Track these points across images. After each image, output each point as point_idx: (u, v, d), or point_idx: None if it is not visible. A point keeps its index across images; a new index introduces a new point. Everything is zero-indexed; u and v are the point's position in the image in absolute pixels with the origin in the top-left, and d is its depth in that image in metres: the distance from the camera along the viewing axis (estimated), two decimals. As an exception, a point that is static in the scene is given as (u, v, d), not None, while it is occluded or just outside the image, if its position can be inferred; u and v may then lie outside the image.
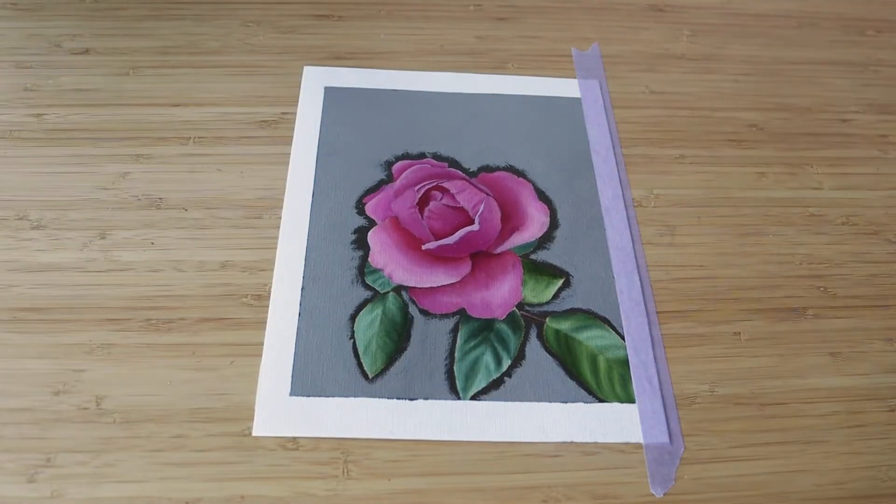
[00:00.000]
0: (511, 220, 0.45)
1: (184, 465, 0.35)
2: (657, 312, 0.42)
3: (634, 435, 0.37)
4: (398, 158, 0.47)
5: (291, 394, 0.37)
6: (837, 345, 0.41)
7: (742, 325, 0.42)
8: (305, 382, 0.38)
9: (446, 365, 0.39)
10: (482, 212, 0.45)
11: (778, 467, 0.37)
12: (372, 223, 0.44)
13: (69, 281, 0.40)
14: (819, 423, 0.38)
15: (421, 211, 0.45)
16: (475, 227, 0.44)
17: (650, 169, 0.49)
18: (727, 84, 0.55)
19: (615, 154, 0.49)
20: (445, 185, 0.46)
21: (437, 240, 0.44)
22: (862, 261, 0.45)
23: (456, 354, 0.39)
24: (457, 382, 0.38)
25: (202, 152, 0.47)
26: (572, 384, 0.39)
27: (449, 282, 0.42)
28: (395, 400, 0.37)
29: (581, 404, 0.38)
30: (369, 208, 0.45)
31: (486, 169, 0.47)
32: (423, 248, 0.43)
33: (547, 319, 0.41)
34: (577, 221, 0.45)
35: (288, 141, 0.48)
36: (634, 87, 0.54)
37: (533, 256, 0.43)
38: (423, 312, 0.41)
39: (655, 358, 0.40)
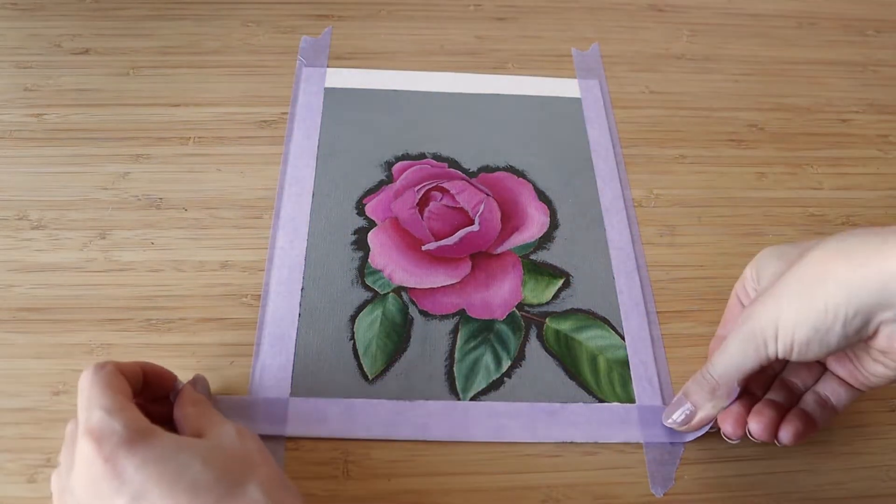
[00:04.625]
0: (511, 220, 0.45)
1: (184, 465, 0.35)
2: (657, 312, 0.42)
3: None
4: (398, 159, 0.47)
5: (291, 394, 0.37)
6: (837, 345, 0.41)
7: (742, 326, 0.42)
8: (305, 383, 0.38)
9: (446, 366, 0.39)
10: (482, 212, 0.45)
11: (778, 467, 0.37)
12: (372, 224, 0.44)
13: (69, 281, 0.40)
14: (819, 424, 0.38)
15: (421, 211, 0.45)
16: (475, 227, 0.44)
17: (650, 169, 0.49)
18: (727, 84, 0.55)
19: (615, 154, 0.49)
20: (445, 185, 0.46)
21: (437, 240, 0.44)
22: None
23: (456, 355, 0.39)
24: (457, 383, 0.38)
25: (202, 152, 0.47)
26: (572, 384, 0.39)
27: (449, 282, 0.42)
28: (394, 401, 0.37)
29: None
30: (369, 209, 0.45)
31: (486, 169, 0.47)
32: (423, 248, 0.43)
33: (547, 320, 0.41)
34: (577, 221, 0.45)
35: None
36: (634, 87, 0.54)
37: (533, 256, 0.43)
38: (423, 313, 0.41)
39: (655, 358, 0.40)
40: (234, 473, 0.28)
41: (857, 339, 0.30)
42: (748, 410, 0.34)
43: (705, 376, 0.34)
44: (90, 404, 0.28)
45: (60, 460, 0.29)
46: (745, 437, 0.34)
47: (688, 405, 0.35)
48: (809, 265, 0.30)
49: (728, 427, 0.34)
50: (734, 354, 0.32)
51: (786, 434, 0.33)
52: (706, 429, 0.35)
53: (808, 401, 0.35)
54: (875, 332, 0.29)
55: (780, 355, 0.31)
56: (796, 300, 0.30)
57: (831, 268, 0.29)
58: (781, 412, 0.34)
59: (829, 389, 0.35)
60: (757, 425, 0.33)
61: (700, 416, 0.35)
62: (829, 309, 0.29)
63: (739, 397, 0.34)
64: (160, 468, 0.26)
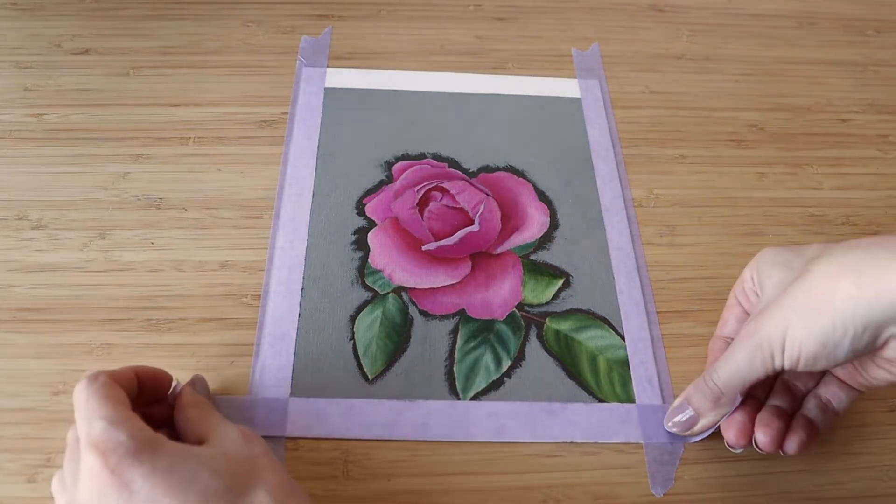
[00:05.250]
0: (511, 220, 0.45)
1: (184, 465, 0.35)
2: (657, 312, 0.42)
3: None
4: (398, 159, 0.47)
5: (292, 394, 0.37)
6: (837, 345, 0.41)
7: (742, 326, 0.42)
8: (305, 383, 0.38)
9: (446, 366, 0.39)
10: (482, 212, 0.45)
11: (778, 467, 0.37)
12: (372, 224, 0.44)
13: (69, 281, 0.40)
14: (819, 424, 0.38)
15: (421, 211, 0.45)
16: (475, 227, 0.44)
17: (650, 169, 0.49)
18: (727, 84, 0.55)
19: (615, 154, 0.49)
20: (445, 185, 0.46)
21: (437, 240, 0.44)
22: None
23: (456, 355, 0.39)
24: (457, 383, 0.38)
25: (202, 152, 0.47)
26: (572, 384, 0.39)
27: (449, 282, 0.42)
28: (394, 401, 0.37)
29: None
30: (369, 209, 0.45)
31: (486, 169, 0.47)
32: (423, 248, 0.43)
33: (547, 320, 0.41)
34: (577, 221, 0.45)
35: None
36: (634, 87, 0.54)
37: (533, 257, 0.43)
38: (423, 313, 0.41)
39: (655, 358, 0.40)
40: (243, 480, 0.28)
41: (865, 352, 0.30)
42: (751, 418, 0.34)
43: (709, 384, 0.34)
44: (90, 416, 0.27)
45: (64, 469, 0.29)
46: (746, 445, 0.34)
47: (690, 411, 0.35)
48: (817, 279, 0.30)
49: (732, 437, 0.34)
50: (740, 365, 0.32)
51: (791, 445, 0.33)
52: (709, 433, 0.35)
53: (810, 406, 0.35)
54: (884, 345, 0.29)
55: (787, 367, 0.31)
56: (804, 315, 0.30)
57: (839, 283, 0.29)
58: (786, 420, 0.34)
59: (830, 392, 0.35)
60: (764, 437, 0.33)
61: (703, 422, 0.35)
62: (838, 325, 0.29)
63: (741, 402, 0.34)
64: (168, 478, 0.26)
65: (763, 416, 0.34)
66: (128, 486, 0.26)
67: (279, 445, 0.35)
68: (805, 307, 0.30)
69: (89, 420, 0.27)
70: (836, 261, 0.30)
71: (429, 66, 0.53)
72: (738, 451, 0.35)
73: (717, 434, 0.36)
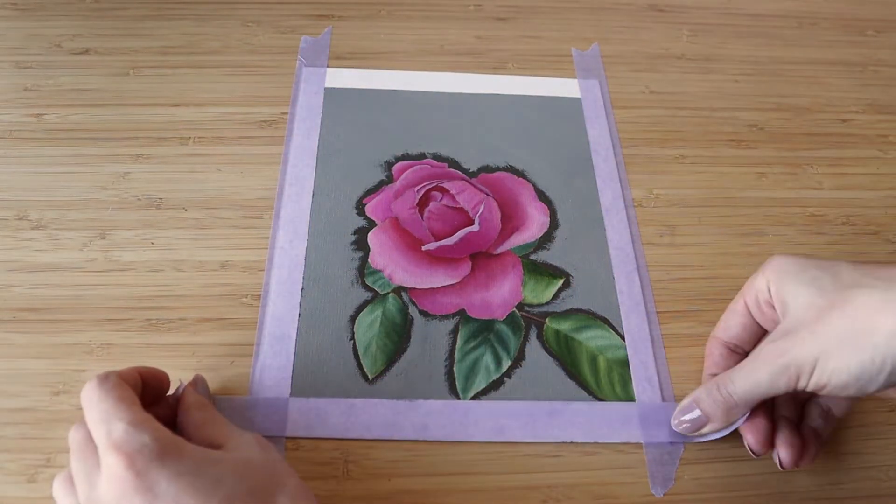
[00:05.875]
0: (511, 220, 0.45)
1: (184, 465, 0.35)
2: (657, 312, 0.42)
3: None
4: (398, 159, 0.47)
5: (292, 394, 0.37)
6: (837, 345, 0.41)
7: (742, 326, 0.42)
8: (305, 383, 0.38)
9: (446, 366, 0.39)
10: (482, 212, 0.45)
11: (777, 467, 0.36)
12: (372, 224, 0.44)
13: (69, 281, 0.40)
14: (819, 424, 0.38)
15: (421, 211, 0.45)
16: (475, 227, 0.44)
17: (650, 169, 0.49)
18: (727, 84, 0.55)
19: (615, 154, 0.49)
20: (445, 185, 0.46)
21: (437, 240, 0.44)
22: (862, 261, 0.45)
23: (456, 355, 0.39)
24: (457, 383, 0.38)
25: (202, 152, 0.47)
26: (572, 384, 0.39)
27: (449, 282, 0.42)
28: (395, 401, 0.37)
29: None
30: (369, 209, 0.45)
31: (486, 169, 0.47)
32: (423, 248, 0.43)
33: (547, 320, 0.41)
34: (577, 221, 0.45)
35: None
36: (634, 87, 0.54)
37: (533, 257, 0.43)
38: (423, 313, 0.41)
39: (655, 358, 0.40)
40: (265, 485, 0.28)
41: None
42: (770, 424, 0.34)
43: (723, 393, 0.33)
44: (108, 418, 0.27)
45: (74, 472, 0.28)
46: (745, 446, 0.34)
47: (698, 412, 0.35)
48: (858, 312, 0.30)
49: (754, 442, 0.34)
50: (762, 382, 0.32)
51: (805, 460, 0.34)
52: (714, 436, 0.35)
53: (814, 415, 0.35)
54: None
55: (809, 389, 0.31)
56: (842, 346, 0.30)
57: (882, 319, 0.29)
58: (800, 435, 0.34)
59: (832, 400, 0.35)
60: (789, 457, 0.34)
61: (710, 426, 0.35)
62: (877, 360, 0.29)
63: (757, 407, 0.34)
64: (193, 481, 0.26)
65: (784, 434, 0.34)
66: (152, 489, 0.26)
67: (279, 445, 0.35)
68: (843, 339, 0.30)
69: (108, 422, 0.27)
70: (879, 296, 0.30)
71: (429, 66, 0.53)
72: (756, 457, 0.35)
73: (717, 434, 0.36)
